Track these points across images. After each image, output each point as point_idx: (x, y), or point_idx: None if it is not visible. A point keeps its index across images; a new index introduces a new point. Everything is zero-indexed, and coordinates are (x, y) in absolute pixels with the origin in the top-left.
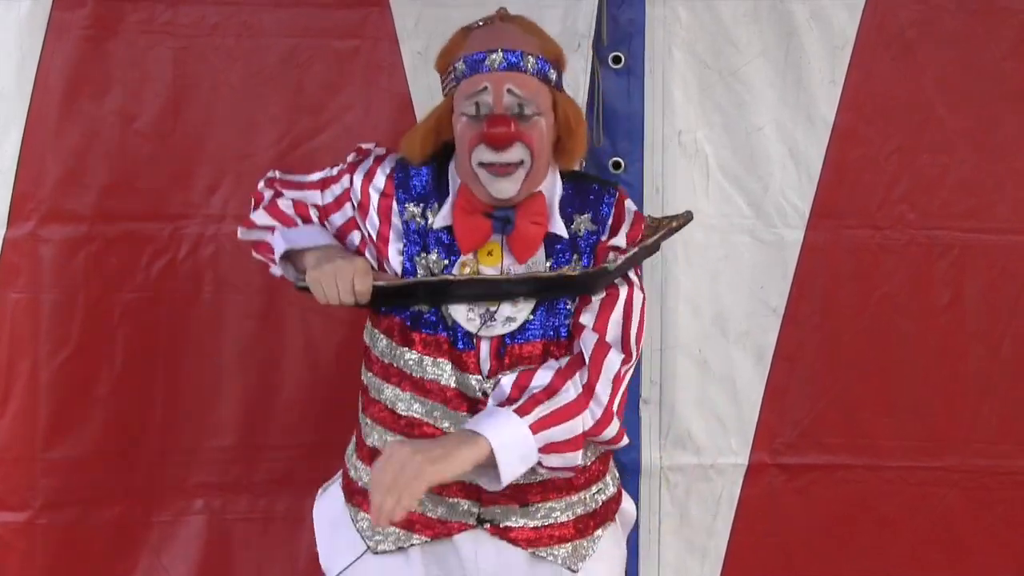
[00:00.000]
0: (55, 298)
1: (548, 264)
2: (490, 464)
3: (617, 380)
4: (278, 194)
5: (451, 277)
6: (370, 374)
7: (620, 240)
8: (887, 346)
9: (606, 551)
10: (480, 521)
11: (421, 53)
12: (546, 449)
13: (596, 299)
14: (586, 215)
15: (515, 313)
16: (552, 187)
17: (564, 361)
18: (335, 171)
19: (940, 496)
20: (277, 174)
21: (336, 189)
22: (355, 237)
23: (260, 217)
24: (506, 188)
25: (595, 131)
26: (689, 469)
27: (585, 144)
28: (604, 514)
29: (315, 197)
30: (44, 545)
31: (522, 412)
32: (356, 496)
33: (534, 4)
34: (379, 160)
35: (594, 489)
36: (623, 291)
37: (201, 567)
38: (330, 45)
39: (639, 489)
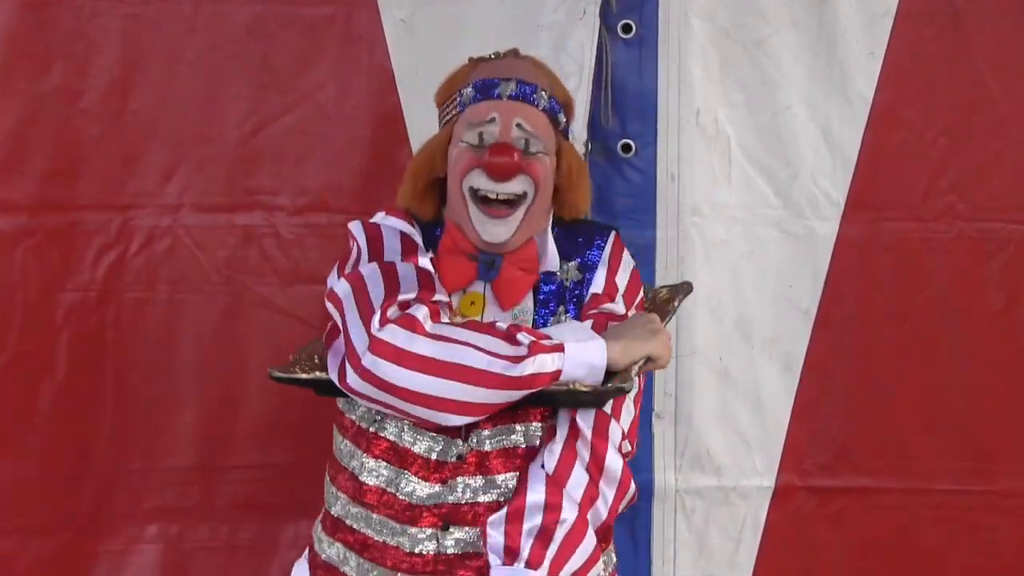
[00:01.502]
0: None
1: (536, 313)
2: None
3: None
4: (432, 310)
5: None
6: (344, 440)
7: (618, 306)
8: (932, 355)
9: None
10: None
11: (405, 21)
12: None
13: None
14: (573, 262)
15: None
16: (544, 234)
17: (549, 456)
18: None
19: (991, 525)
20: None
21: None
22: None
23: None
24: (500, 233)
25: (603, 110)
26: (708, 492)
27: (588, 199)
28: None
29: (413, 268)
30: None
31: (534, 564)
32: (318, 570)
33: None
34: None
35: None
36: None
37: None
38: (300, 12)
39: (652, 515)
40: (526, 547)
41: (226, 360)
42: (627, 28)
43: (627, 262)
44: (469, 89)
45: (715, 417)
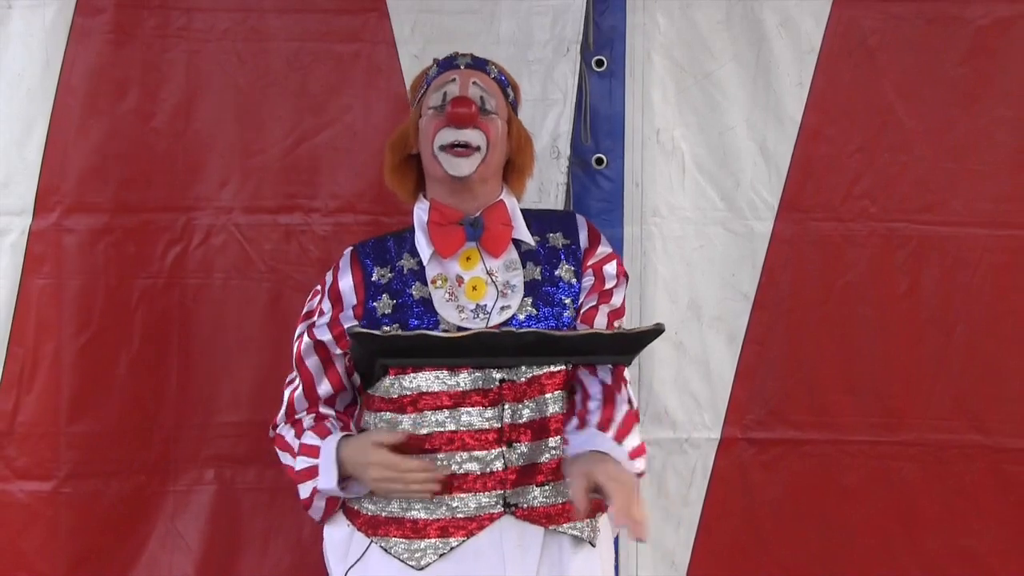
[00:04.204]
0: (78, 284)
1: (528, 269)
2: None
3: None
4: (296, 426)
5: (429, 333)
6: (378, 415)
7: (609, 254)
8: (849, 330)
9: (606, 531)
10: (506, 506)
11: (417, 56)
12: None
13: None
14: (558, 233)
15: (508, 301)
16: (512, 202)
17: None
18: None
19: (897, 468)
20: (283, 411)
21: (309, 317)
22: (344, 317)
23: (303, 474)
24: (463, 165)
25: (582, 130)
26: (666, 443)
27: (533, 165)
28: (598, 504)
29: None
30: (68, 513)
31: (604, 427)
32: (381, 528)
33: (524, 11)
34: (335, 270)
35: None
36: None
37: (212, 533)
38: (332, 49)
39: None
40: (595, 416)
41: (270, 335)
42: (600, 63)
43: (599, 231)
44: (433, 68)
45: (671, 382)
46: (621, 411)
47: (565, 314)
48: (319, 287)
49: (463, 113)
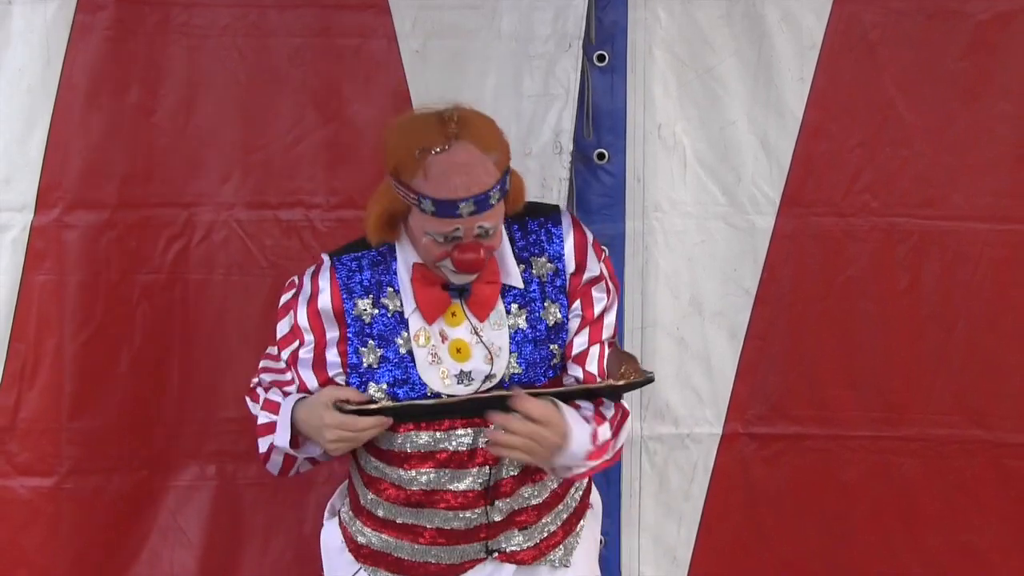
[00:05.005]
0: (79, 280)
1: (513, 316)
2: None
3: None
4: (265, 391)
5: (416, 402)
6: (371, 459)
7: (597, 276)
8: (851, 325)
9: (587, 537)
10: (488, 552)
11: (418, 51)
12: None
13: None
14: (543, 258)
15: (495, 369)
16: (502, 247)
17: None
18: (283, 324)
19: (898, 463)
20: (260, 376)
21: (290, 341)
22: (330, 355)
23: (261, 443)
24: (468, 278)
25: (584, 125)
26: (667, 438)
27: (524, 195)
28: (582, 508)
29: (282, 366)
30: (69, 508)
31: (599, 422)
32: (369, 559)
33: (526, 6)
34: (315, 276)
35: (572, 490)
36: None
37: (214, 528)
38: (333, 44)
39: (621, 457)
40: (589, 415)
41: (271, 330)
42: (602, 58)
43: (589, 237)
44: (429, 204)
45: (673, 377)
46: (610, 410)
47: (552, 362)
48: (294, 286)
49: (471, 261)
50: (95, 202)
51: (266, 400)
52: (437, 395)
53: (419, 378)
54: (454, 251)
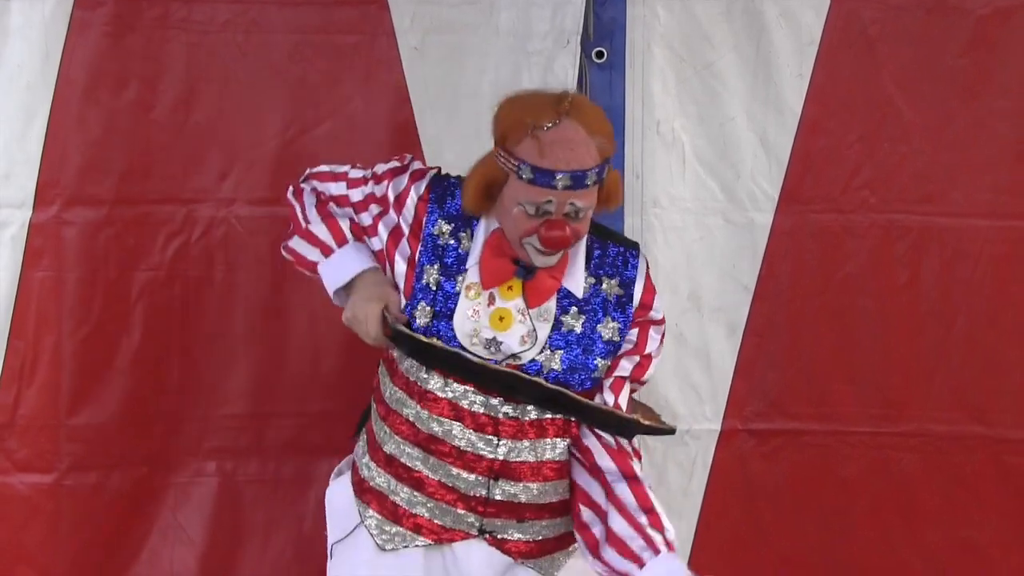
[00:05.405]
0: (77, 277)
1: (571, 318)
2: None
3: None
4: (319, 201)
5: (464, 354)
6: (394, 387)
7: (659, 320)
8: (850, 321)
9: (579, 568)
10: (481, 531)
11: (417, 48)
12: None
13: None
14: (614, 280)
15: (522, 352)
16: (578, 249)
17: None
18: (378, 170)
19: (897, 459)
20: (318, 169)
21: (372, 189)
22: (375, 243)
23: (298, 244)
24: (549, 261)
25: None
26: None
27: (620, 199)
28: (562, 542)
29: (355, 195)
30: (69, 505)
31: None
32: (366, 494)
33: (524, 2)
34: (417, 175)
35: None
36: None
37: (214, 525)
38: (332, 40)
39: None
40: (655, 537)
41: (271, 327)
42: (600, 54)
43: (654, 285)
44: (528, 172)
45: (672, 373)
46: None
47: (593, 374)
48: (396, 164)
49: (557, 239)
50: (94, 198)
51: (332, 220)
52: (460, 347)
53: (451, 324)
54: (542, 227)
